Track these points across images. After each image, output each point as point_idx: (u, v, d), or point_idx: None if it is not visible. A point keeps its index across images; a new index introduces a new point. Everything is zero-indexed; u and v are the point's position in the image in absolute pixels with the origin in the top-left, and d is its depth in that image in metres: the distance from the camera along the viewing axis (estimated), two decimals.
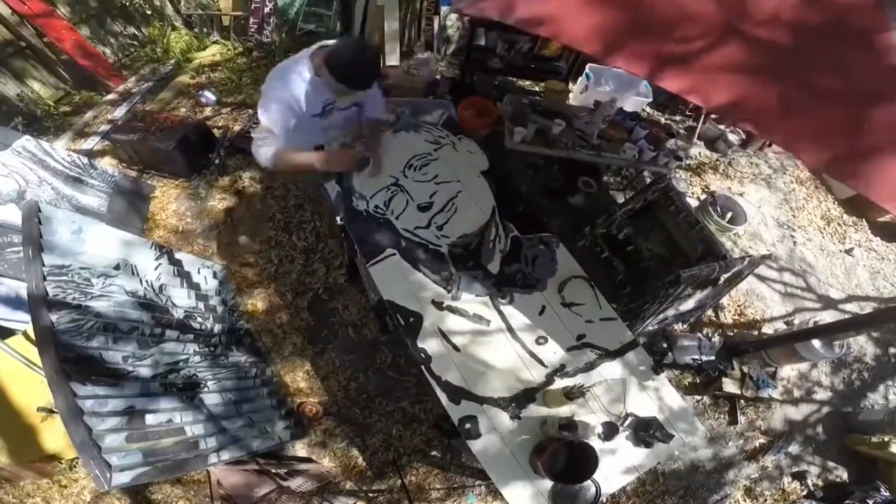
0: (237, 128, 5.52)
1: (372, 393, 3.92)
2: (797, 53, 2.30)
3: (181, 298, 3.22)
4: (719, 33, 2.38)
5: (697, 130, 6.07)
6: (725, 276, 3.52)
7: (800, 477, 4.09)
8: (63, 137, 5.31)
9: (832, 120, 2.16)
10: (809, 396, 4.50)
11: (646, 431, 2.60)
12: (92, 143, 5.27)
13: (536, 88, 6.55)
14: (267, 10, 6.48)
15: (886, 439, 4.02)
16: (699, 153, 6.17)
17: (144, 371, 2.51)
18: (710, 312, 4.66)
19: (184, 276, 3.36)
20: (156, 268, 3.07)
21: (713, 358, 4.22)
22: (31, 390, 2.79)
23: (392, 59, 6.34)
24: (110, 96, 5.91)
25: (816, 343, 3.99)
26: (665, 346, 4.28)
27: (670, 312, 3.78)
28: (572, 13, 2.70)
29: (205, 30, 6.86)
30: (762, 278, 5.10)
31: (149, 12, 6.46)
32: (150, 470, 2.17)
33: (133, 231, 4.18)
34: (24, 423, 2.84)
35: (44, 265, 2.21)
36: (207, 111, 5.82)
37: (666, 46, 2.46)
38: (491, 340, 2.82)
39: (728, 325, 4.74)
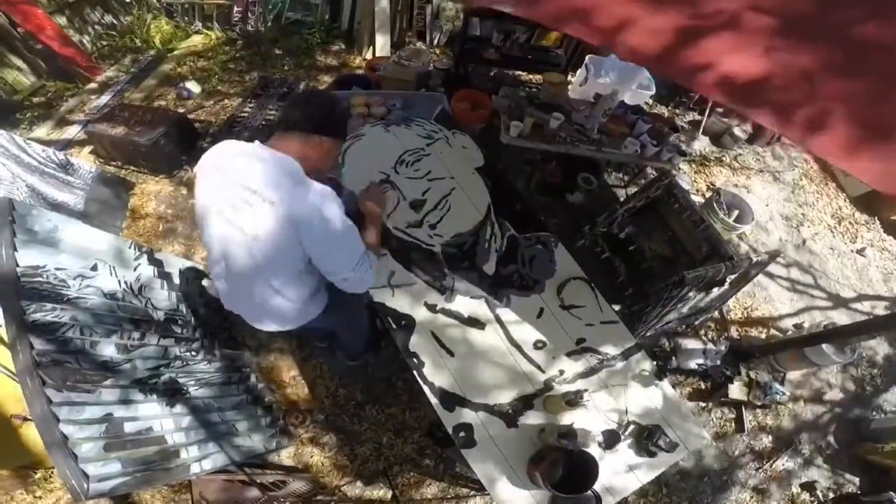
0: (221, 120, 5.53)
1: (361, 399, 3.92)
2: (829, 22, 2.25)
3: (162, 300, 3.20)
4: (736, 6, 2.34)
5: (702, 124, 6.10)
6: (732, 277, 3.53)
7: (809, 487, 4.10)
8: (38, 131, 5.30)
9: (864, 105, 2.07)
10: (819, 403, 4.52)
11: (649, 440, 2.60)
12: (68, 137, 5.26)
13: (534, 80, 6.56)
14: None
15: None
16: (704, 148, 6.20)
17: (123, 377, 2.50)
18: (715, 315, 4.68)
19: (164, 276, 3.35)
20: (135, 268, 3.06)
21: (719, 363, 4.23)
22: (4, 397, 2.78)
23: (382, 49, 6.36)
24: (88, 88, 5.91)
25: (827, 347, 4.01)
26: (669, 350, 4.30)
27: (674, 315, 3.79)
28: None
29: (186, 19, 6.86)
30: (770, 279, 5.12)
31: (128, 0, 6.45)
32: (130, 480, 2.16)
33: (111, 230, 4.18)
34: None
35: (17, 265, 2.21)
36: (189, 104, 5.81)
37: (675, 24, 2.40)
38: (486, 345, 2.82)
39: (735, 327, 4.76)
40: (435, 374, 2.68)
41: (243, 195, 1.98)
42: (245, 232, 2.03)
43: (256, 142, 2.08)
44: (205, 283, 2.57)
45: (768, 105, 2.12)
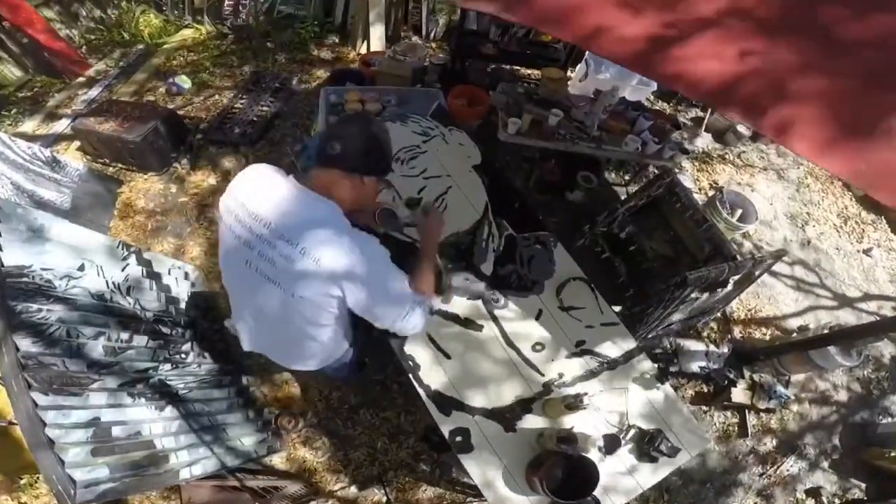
0: (212, 115, 5.53)
1: (355, 403, 3.92)
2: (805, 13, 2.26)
3: (150, 301, 3.20)
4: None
5: (705, 121, 6.10)
6: (735, 277, 3.54)
7: (814, 493, 4.11)
8: (23, 127, 5.29)
9: (842, 100, 2.04)
10: (824, 407, 4.53)
11: (650, 444, 2.60)
12: (55, 133, 5.24)
13: (532, 76, 6.57)
14: None
15: None
16: (707, 145, 6.20)
17: (111, 379, 2.49)
18: (718, 316, 4.68)
19: (153, 277, 3.34)
20: (123, 268, 3.05)
21: (722, 365, 4.24)
22: None
23: (377, 44, 6.36)
24: (76, 83, 5.89)
25: (832, 350, 4.01)
26: (671, 352, 4.30)
27: (676, 317, 3.79)
28: None
29: (176, 12, 6.85)
30: (775, 279, 5.13)
31: None
32: (118, 486, 2.16)
33: (99, 228, 4.16)
34: None
35: (3, 265, 2.20)
36: (178, 100, 5.80)
37: (651, 30, 2.39)
38: (484, 347, 2.82)
39: (738, 329, 4.76)
40: (431, 377, 2.67)
41: (276, 243, 1.80)
42: (276, 281, 1.88)
43: (292, 177, 1.90)
44: (226, 323, 2.50)
45: (739, 106, 2.14)
